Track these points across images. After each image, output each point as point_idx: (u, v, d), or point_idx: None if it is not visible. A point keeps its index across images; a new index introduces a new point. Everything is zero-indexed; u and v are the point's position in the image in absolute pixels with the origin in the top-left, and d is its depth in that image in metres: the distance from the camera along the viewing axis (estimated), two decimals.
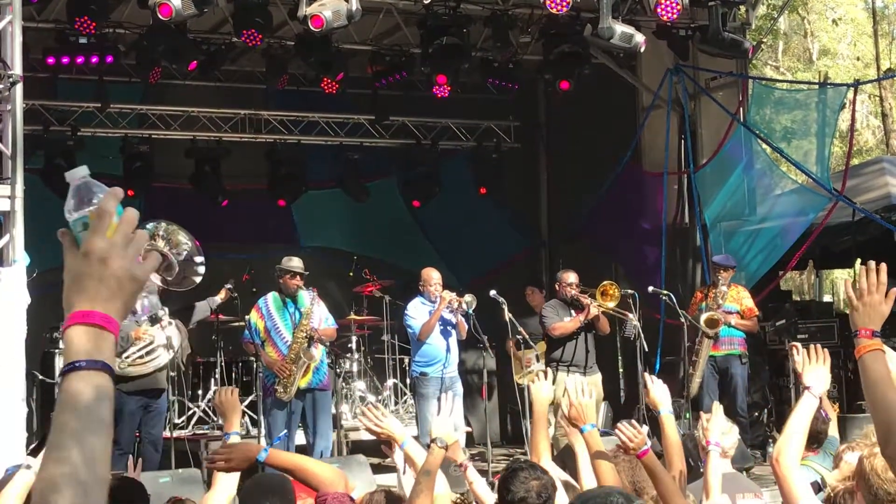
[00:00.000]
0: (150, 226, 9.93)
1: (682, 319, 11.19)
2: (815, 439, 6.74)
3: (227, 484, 4.83)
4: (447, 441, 4.76)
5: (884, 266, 3.27)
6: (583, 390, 4.96)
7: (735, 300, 11.52)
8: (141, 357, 9.92)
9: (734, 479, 6.10)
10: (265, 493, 4.40)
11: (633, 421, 5.14)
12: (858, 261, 16.63)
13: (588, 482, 5.26)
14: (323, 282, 11.95)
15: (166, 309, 9.98)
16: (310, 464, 4.61)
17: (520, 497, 4.37)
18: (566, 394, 5.03)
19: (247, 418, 12.46)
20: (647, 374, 5.57)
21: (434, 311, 10.81)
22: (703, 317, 11.17)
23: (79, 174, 2.03)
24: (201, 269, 9.73)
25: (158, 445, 10.32)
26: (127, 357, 9.85)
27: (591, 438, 4.90)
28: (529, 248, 16.67)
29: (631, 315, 10.98)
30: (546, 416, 5.72)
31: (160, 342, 9.96)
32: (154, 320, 9.91)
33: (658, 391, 5.27)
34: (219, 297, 12.13)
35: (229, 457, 4.68)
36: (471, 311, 10.85)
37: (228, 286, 12.13)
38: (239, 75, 14.94)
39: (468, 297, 10.81)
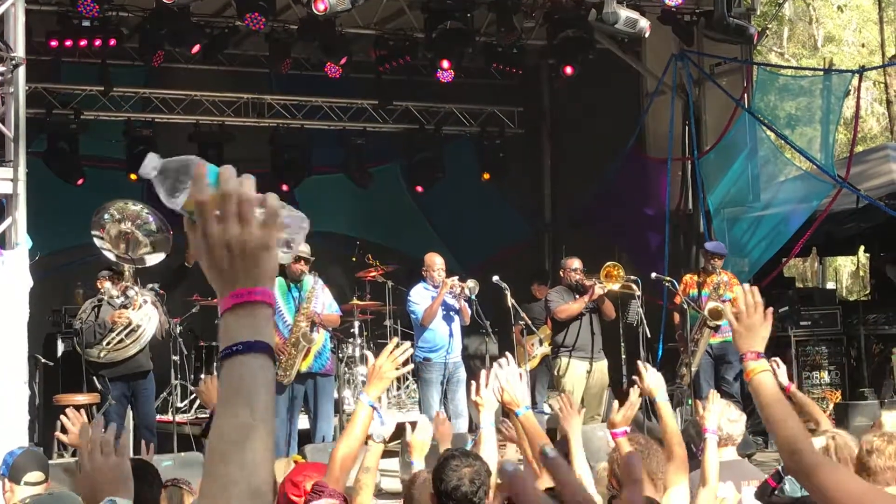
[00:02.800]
0: (105, 216, 9.81)
1: (685, 306, 11.17)
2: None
3: None
4: (385, 436, 4.73)
5: (755, 288, 3.36)
6: (513, 373, 4.81)
7: (727, 288, 11.49)
8: (121, 341, 9.89)
9: (740, 466, 6.09)
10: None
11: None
12: (862, 248, 16.61)
13: (582, 467, 5.24)
14: (326, 267, 11.92)
15: (136, 289, 9.93)
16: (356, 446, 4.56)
17: (453, 486, 4.27)
18: (497, 380, 4.87)
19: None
20: (640, 362, 5.52)
21: (437, 296, 10.79)
22: (709, 307, 11.14)
23: (152, 164, 1.95)
24: (168, 238, 9.64)
25: (153, 428, 10.32)
26: (107, 343, 9.83)
27: (526, 421, 4.79)
28: (532, 233, 16.66)
29: (635, 288, 10.95)
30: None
31: (139, 321, 9.92)
32: (126, 304, 9.90)
33: (652, 379, 5.25)
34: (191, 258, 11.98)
35: None
36: (473, 297, 10.83)
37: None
38: (242, 59, 14.90)
39: (471, 283, 10.79)
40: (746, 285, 3.32)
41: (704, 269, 11.60)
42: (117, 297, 9.98)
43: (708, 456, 5.40)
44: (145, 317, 9.90)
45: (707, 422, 5.53)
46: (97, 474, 2.61)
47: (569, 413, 5.26)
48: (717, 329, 11.22)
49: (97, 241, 9.47)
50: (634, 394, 5.32)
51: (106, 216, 9.62)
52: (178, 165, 1.92)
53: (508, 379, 4.79)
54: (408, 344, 4.70)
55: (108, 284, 10.04)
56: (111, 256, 9.61)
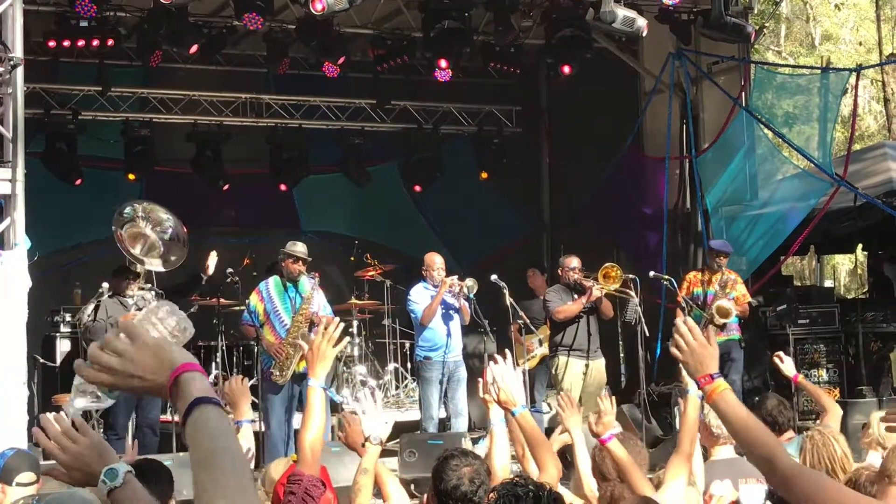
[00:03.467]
0: (128, 210, 9.91)
1: (685, 305, 11.17)
2: (784, 426, 6.76)
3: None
4: (382, 438, 4.74)
5: (688, 319, 3.36)
6: (508, 372, 4.78)
7: (733, 286, 11.51)
8: None
9: (738, 464, 6.10)
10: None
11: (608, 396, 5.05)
12: (860, 246, 16.62)
13: (584, 463, 5.25)
14: (324, 266, 11.95)
15: (153, 293, 9.97)
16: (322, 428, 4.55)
17: (452, 485, 4.27)
18: (494, 380, 4.80)
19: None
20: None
21: (435, 295, 10.80)
22: (717, 304, 11.13)
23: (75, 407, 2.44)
24: (183, 250, 9.66)
25: (156, 429, 10.32)
26: None
27: (523, 420, 4.75)
28: (531, 232, 16.66)
29: (632, 294, 10.96)
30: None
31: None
32: (141, 306, 9.91)
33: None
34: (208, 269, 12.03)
35: (349, 432, 4.78)
36: (472, 296, 10.85)
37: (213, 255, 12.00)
38: (240, 59, 14.90)
39: (469, 282, 10.80)
40: (678, 320, 3.26)
41: (709, 268, 11.60)
42: (131, 297, 10.01)
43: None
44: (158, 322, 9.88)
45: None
46: (77, 461, 2.69)
47: (570, 411, 5.26)
48: (723, 328, 11.21)
49: (116, 230, 9.55)
50: (604, 403, 5.26)
51: (128, 210, 9.72)
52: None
53: (504, 377, 4.76)
54: (338, 319, 4.68)
55: (105, 284, 10.07)
56: (122, 249, 9.69)
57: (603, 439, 5.03)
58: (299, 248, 10.52)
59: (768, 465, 3.01)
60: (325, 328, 4.39)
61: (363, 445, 4.76)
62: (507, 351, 5.34)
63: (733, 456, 6.01)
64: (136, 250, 9.85)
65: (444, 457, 4.46)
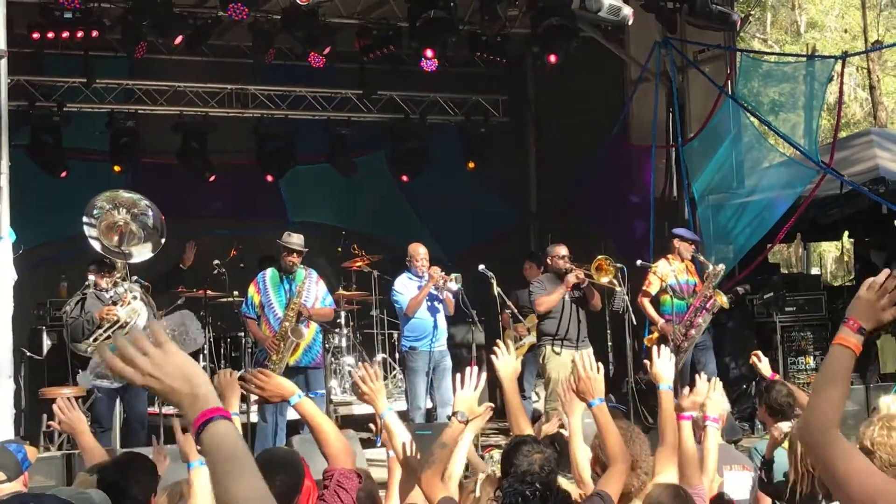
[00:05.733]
0: (95, 210, 9.74)
1: (670, 295, 11.17)
2: (786, 416, 6.78)
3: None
4: (468, 416, 4.70)
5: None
6: (591, 364, 4.85)
7: (693, 273, 11.49)
8: (109, 338, 9.84)
9: (723, 450, 6.13)
10: (276, 468, 4.38)
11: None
12: (846, 233, 16.67)
13: (580, 451, 5.25)
14: (312, 257, 11.90)
15: (127, 284, 9.89)
16: (330, 430, 4.55)
17: (523, 470, 4.36)
18: (574, 368, 4.89)
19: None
20: (657, 348, 5.43)
21: (422, 286, 10.81)
22: (724, 298, 11.11)
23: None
24: (161, 237, 9.59)
25: (144, 421, 10.30)
26: (95, 339, 9.80)
27: (600, 413, 4.81)
28: (518, 221, 16.67)
29: (619, 287, 10.96)
30: (516, 392, 5.57)
31: (127, 319, 9.87)
32: (116, 300, 9.86)
33: (662, 365, 5.24)
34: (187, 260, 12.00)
35: (264, 386, 4.72)
36: (459, 286, 10.85)
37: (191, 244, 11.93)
38: (225, 50, 14.85)
39: (455, 275, 10.81)
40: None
41: (679, 255, 11.50)
42: (107, 291, 9.93)
43: (709, 445, 5.44)
44: (133, 313, 9.85)
45: (708, 409, 5.57)
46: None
47: (571, 398, 5.26)
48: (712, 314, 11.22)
49: (87, 231, 9.45)
50: (702, 383, 5.40)
51: (96, 210, 9.60)
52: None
53: (588, 366, 4.83)
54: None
55: (91, 277, 10.00)
56: (101, 249, 9.58)
57: (682, 415, 5.18)
58: (294, 239, 10.50)
59: (813, 427, 3.03)
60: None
61: (449, 418, 4.73)
62: (499, 342, 5.38)
63: (720, 442, 6.04)
64: (113, 242, 9.67)
65: (515, 442, 4.54)
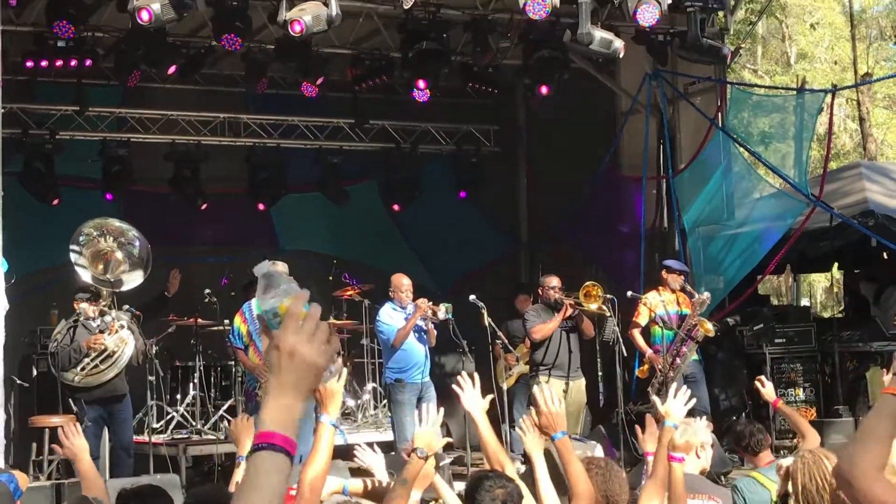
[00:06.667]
0: (81, 237, 9.73)
1: (660, 326, 11.19)
2: (759, 447, 6.82)
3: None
4: (427, 452, 4.71)
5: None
6: (552, 398, 4.78)
7: (685, 304, 11.52)
8: (96, 367, 9.82)
9: (690, 480, 6.10)
10: None
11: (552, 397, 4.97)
12: (836, 265, 16.72)
13: (547, 494, 5.22)
14: (302, 285, 11.91)
15: (114, 313, 9.89)
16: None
17: None
18: (535, 402, 4.82)
19: (226, 423, 12.44)
20: (675, 387, 5.42)
21: (410, 317, 10.80)
22: (710, 325, 11.15)
23: (264, 267, 2.55)
24: (146, 258, 9.51)
25: (130, 450, 10.27)
26: (83, 369, 9.78)
27: (563, 446, 4.74)
28: (509, 251, 16.70)
29: (609, 315, 10.98)
30: (488, 426, 5.26)
31: (114, 347, 9.87)
32: (103, 329, 9.85)
33: (675, 405, 5.25)
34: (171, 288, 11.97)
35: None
36: (450, 316, 10.85)
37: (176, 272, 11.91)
38: (218, 78, 14.90)
39: (444, 306, 10.81)
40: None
41: (668, 287, 11.53)
42: (94, 320, 9.91)
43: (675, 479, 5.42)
44: (121, 342, 9.84)
45: (647, 445, 5.59)
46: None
47: (530, 434, 5.15)
48: (699, 342, 11.24)
49: (73, 258, 9.45)
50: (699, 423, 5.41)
51: (82, 237, 9.60)
52: (283, 280, 2.51)
53: (549, 400, 4.77)
54: (340, 361, 4.69)
55: (83, 305, 9.98)
56: (87, 278, 9.57)
57: (673, 456, 5.13)
58: (279, 267, 10.48)
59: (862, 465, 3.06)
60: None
61: (409, 456, 4.73)
62: (475, 375, 5.28)
63: (689, 471, 6.04)
64: (99, 270, 9.66)
65: (476, 477, 4.48)
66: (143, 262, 9.74)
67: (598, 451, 9.02)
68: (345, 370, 4.57)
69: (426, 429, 4.79)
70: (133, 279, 9.72)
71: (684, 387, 5.42)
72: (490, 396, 5.26)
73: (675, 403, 5.26)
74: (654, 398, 5.30)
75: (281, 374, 2.22)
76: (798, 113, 12.84)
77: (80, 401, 9.88)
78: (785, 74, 29.29)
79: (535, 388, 4.88)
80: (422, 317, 10.80)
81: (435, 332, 10.89)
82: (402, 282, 11.01)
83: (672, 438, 5.25)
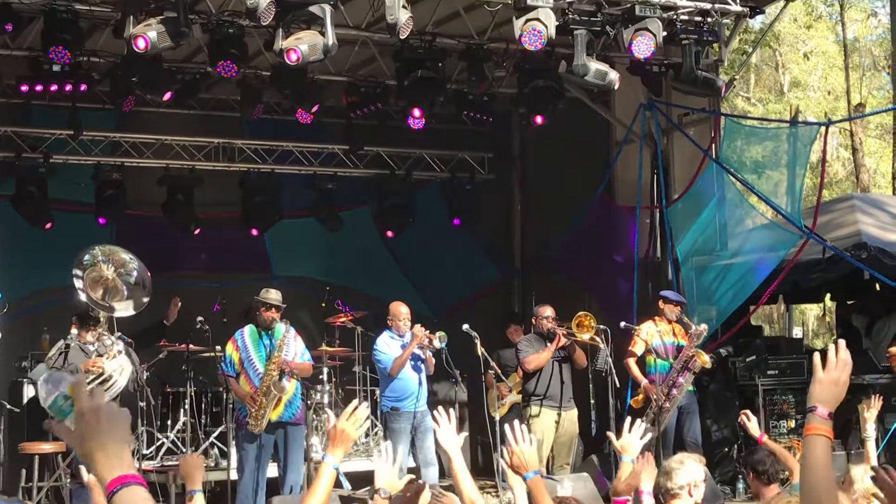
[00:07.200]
0: (87, 257, 9.85)
1: (655, 356, 11.20)
2: (774, 478, 6.78)
3: None
4: (389, 492, 4.68)
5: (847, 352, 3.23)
6: (524, 436, 4.64)
7: (681, 335, 11.54)
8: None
9: None
10: None
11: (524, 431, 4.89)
12: (828, 295, 16.73)
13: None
14: (295, 312, 11.90)
15: (113, 338, 9.89)
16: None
17: None
18: (506, 440, 4.67)
19: (216, 450, 12.39)
20: (629, 421, 5.38)
21: (407, 346, 10.79)
22: (706, 357, 11.16)
23: (41, 371, 2.86)
24: (145, 292, 9.63)
25: None
26: None
27: (534, 486, 4.65)
28: (502, 279, 16.69)
29: (602, 345, 10.97)
30: (463, 466, 5.03)
31: (111, 371, 9.84)
32: (102, 352, 9.84)
33: (631, 439, 5.22)
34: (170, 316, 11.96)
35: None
36: (443, 345, 10.84)
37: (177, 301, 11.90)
38: (213, 103, 14.90)
39: (439, 334, 10.80)
40: (843, 342, 3.18)
41: (664, 317, 11.55)
42: (91, 344, 9.91)
43: None
44: (118, 367, 9.83)
45: (642, 484, 5.55)
46: None
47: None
48: (695, 374, 11.26)
49: (76, 281, 9.47)
50: (640, 464, 5.33)
51: (87, 257, 9.64)
52: (58, 374, 2.78)
53: (519, 439, 4.66)
54: (366, 404, 4.64)
55: (74, 330, 9.97)
56: (83, 298, 9.58)
57: (617, 500, 5.10)
58: (272, 295, 10.49)
59: None
60: (353, 410, 4.39)
61: (372, 498, 4.70)
62: (439, 409, 5.15)
63: None
64: (98, 294, 9.73)
65: None
66: (141, 287, 9.78)
67: (567, 488, 9.02)
68: (365, 413, 4.50)
69: (387, 468, 4.77)
70: (124, 309, 9.76)
71: (639, 420, 5.39)
72: (464, 434, 5.23)
73: (632, 438, 5.24)
74: (610, 434, 5.26)
75: (97, 432, 2.37)
76: (791, 142, 12.89)
77: None
78: (778, 103, 29.42)
79: (507, 426, 4.77)
80: (419, 345, 10.78)
81: (433, 360, 10.86)
82: (401, 310, 10.99)
83: (613, 484, 5.24)
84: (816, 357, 3.19)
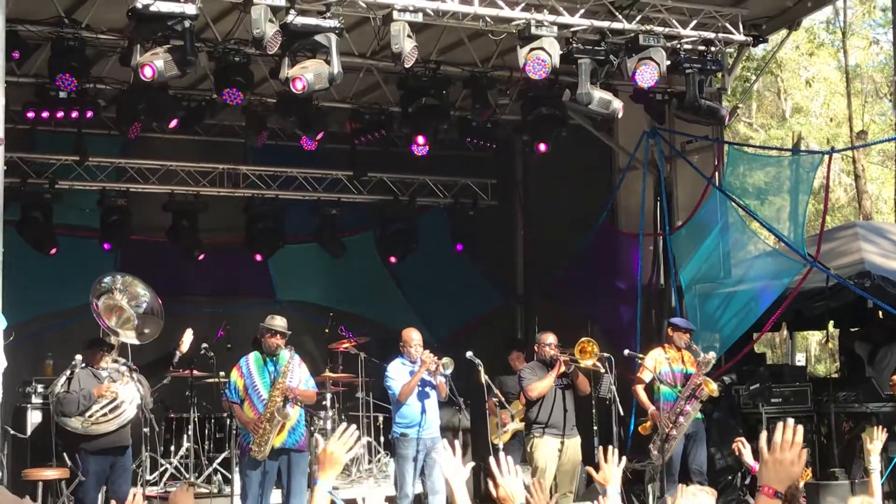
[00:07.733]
0: (106, 280, 10.00)
1: (659, 383, 11.19)
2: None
3: None
4: None
5: (800, 428, 3.25)
6: (509, 468, 4.48)
7: (690, 363, 11.53)
8: (105, 415, 9.82)
9: None
10: None
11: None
12: (831, 323, 16.72)
13: None
14: (299, 337, 11.90)
15: (128, 365, 9.95)
16: None
17: None
18: (490, 473, 4.72)
19: (219, 476, 12.39)
20: (602, 450, 5.35)
21: (415, 372, 10.79)
22: (714, 385, 11.15)
23: None
24: (158, 324, 9.78)
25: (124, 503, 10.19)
26: (90, 416, 9.76)
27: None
28: (505, 305, 16.71)
29: (604, 371, 10.95)
30: (465, 497, 5.15)
31: (123, 398, 9.89)
32: (115, 378, 9.90)
33: (611, 470, 5.19)
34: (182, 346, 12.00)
35: None
36: (447, 373, 10.83)
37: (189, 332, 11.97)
38: (218, 129, 14.97)
39: (445, 360, 10.80)
40: (791, 420, 3.20)
41: (672, 344, 11.56)
42: (104, 369, 9.97)
43: None
44: (129, 394, 9.88)
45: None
46: None
47: (538, 497, 5.09)
48: (701, 401, 11.25)
49: (93, 300, 9.60)
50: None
51: (107, 280, 9.77)
52: None
53: (504, 473, 4.60)
54: (354, 426, 4.62)
55: (79, 357, 10.01)
56: (98, 319, 9.71)
57: None
58: (278, 322, 10.49)
59: None
60: (342, 433, 4.38)
61: None
62: (455, 442, 5.16)
63: None
64: (112, 322, 9.90)
65: None
66: (155, 314, 9.92)
67: None
68: (354, 436, 4.48)
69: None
70: (127, 337, 9.90)
71: (611, 447, 5.35)
72: (471, 464, 5.19)
73: (611, 468, 5.21)
74: (590, 469, 5.20)
75: None
76: (794, 168, 12.93)
77: (82, 451, 9.84)
78: (780, 129, 29.46)
79: (491, 458, 4.73)
80: (428, 371, 10.78)
81: (445, 386, 10.85)
82: (412, 336, 10.99)
83: None
84: (762, 438, 3.19)
